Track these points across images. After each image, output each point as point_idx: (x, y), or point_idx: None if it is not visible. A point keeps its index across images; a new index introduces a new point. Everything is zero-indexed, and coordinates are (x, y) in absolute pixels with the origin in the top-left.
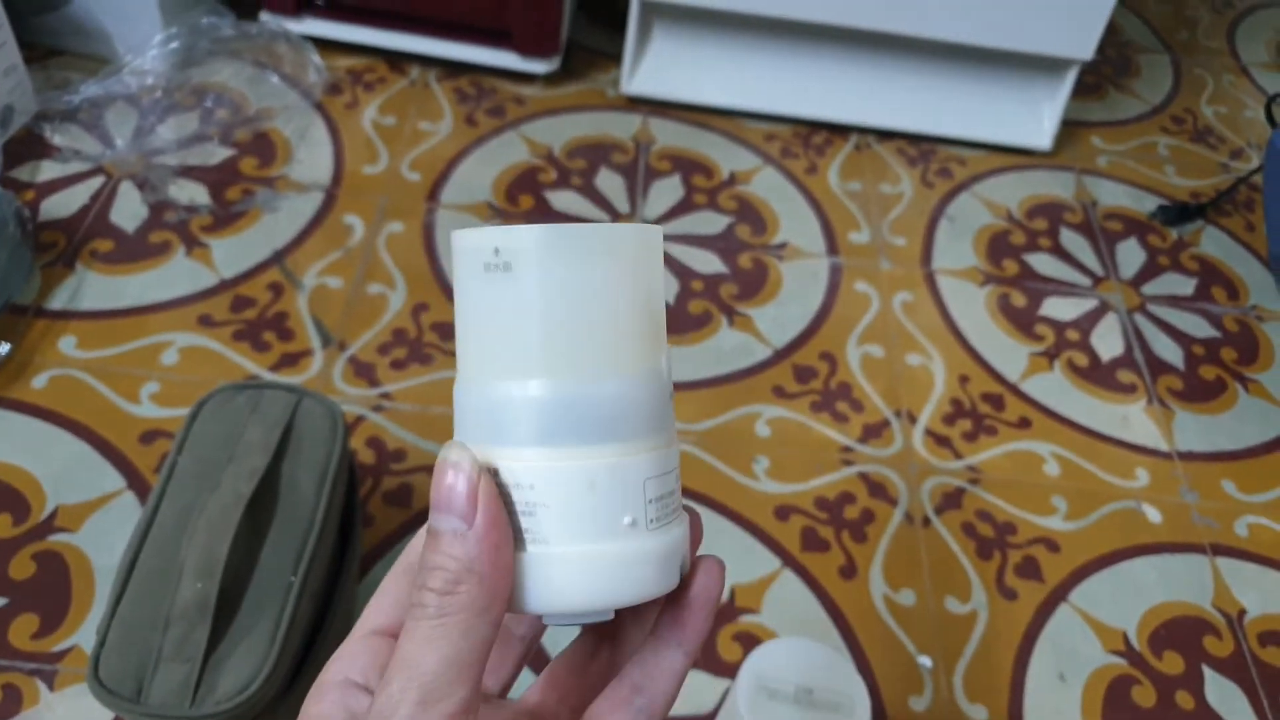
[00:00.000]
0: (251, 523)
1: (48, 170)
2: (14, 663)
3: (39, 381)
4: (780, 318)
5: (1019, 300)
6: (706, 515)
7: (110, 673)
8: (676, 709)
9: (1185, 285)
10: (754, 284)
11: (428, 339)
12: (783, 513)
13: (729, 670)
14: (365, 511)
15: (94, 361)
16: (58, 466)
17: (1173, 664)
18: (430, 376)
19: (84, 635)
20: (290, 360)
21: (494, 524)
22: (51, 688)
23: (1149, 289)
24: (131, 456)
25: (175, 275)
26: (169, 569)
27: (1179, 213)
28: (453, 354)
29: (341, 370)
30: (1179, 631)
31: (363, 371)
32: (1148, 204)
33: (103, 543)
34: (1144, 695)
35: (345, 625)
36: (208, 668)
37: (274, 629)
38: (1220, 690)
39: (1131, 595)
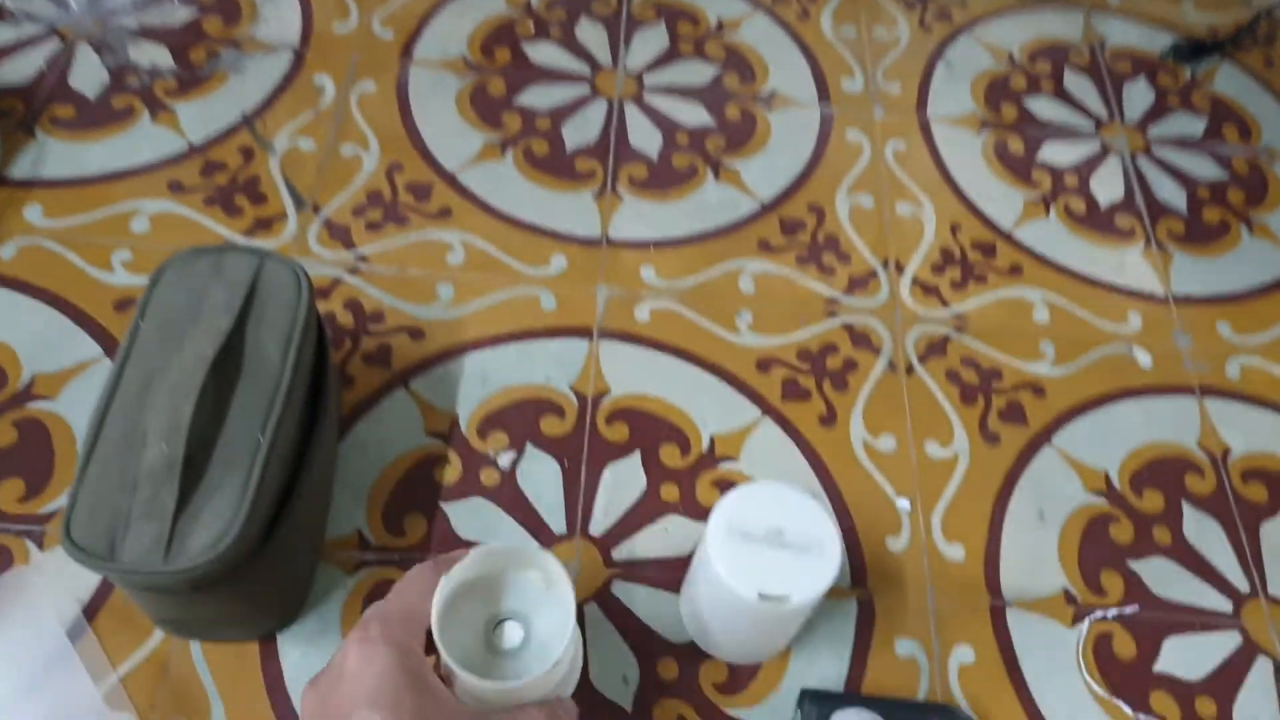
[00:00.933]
0: (217, 385)
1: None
2: (3, 524)
3: (6, 251)
4: (768, 170)
5: (1016, 146)
6: (688, 370)
7: (82, 533)
8: (655, 552)
9: (1194, 126)
10: (741, 135)
11: (403, 200)
12: (764, 364)
13: (707, 515)
14: (345, 372)
15: (62, 230)
16: (32, 336)
17: (1153, 502)
18: (406, 238)
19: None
20: (264, 225)
21: None
22: (40, 547)
23: (1155, 131)
24: (106, 324)
25: (141, 141)
26: (134, 432)
27: (1194, 50)
28: (428, 215)
29: (316, 233)
30: (1161, 471)
31: (338, 234)
32: (1161, 42)
33: (81, 409)
34: (1121, 532)
35: (319, 485)
36: (178, 526)
37: (243, 487)
38: (1199, 525)
39: (1116, 437)
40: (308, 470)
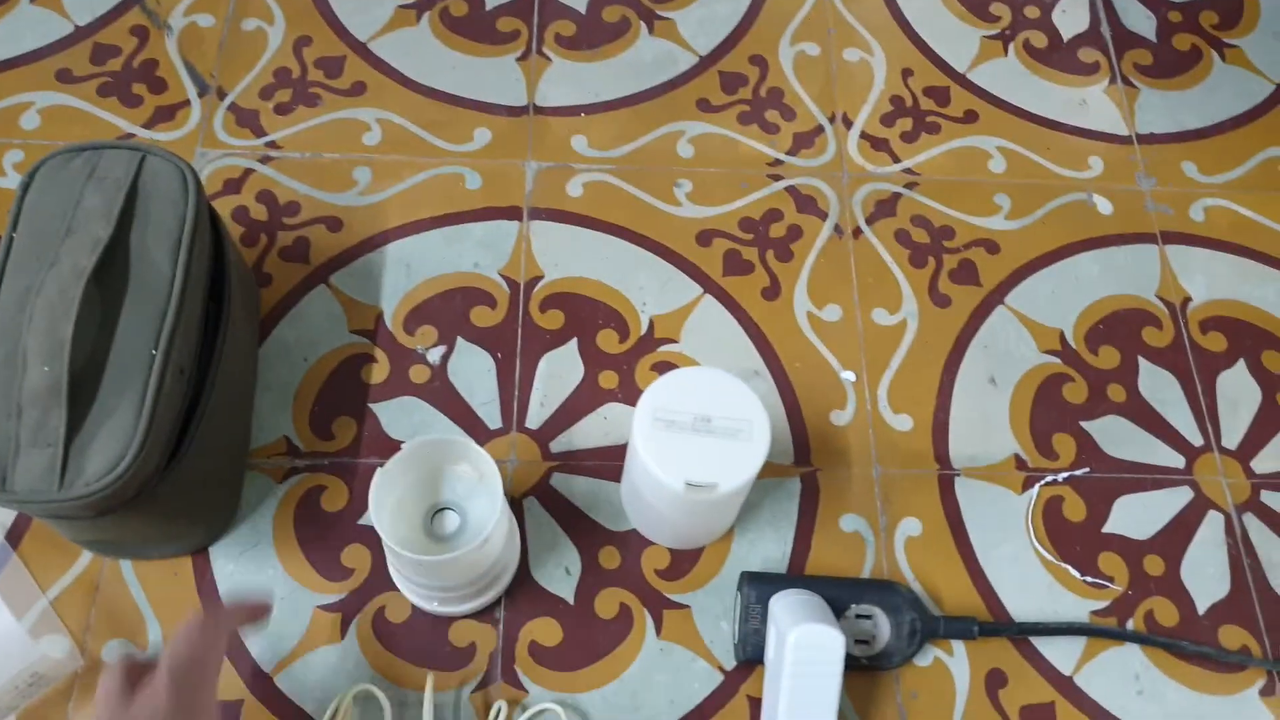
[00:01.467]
0: (102, 299)
1: None
2: None
3: None
4: (706, 19)
5: None
6: (624, 248)
7: None
8: (594, 441)
9: None
10: None
11: (312, 77)
12: (705, 238)
13: None
14: (261, 271)
15: None
16: None
17: (1108, 358)
18: (318, 119)
19: None
20: (166, 114)
21: None
22: None
23: None
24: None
25: (21, 26)
26: (13, 355)
27: None
28: (341, 92)
29: (223, 120)
30: (1118, 326)
31: (245, 120)
32: None
33: None
34: (1075, 391)
35: (232, 395)
36: (72, 451)
37: (139, 405)
38: (1154, 380)
39: (1072, 292)
40: (212, 382)
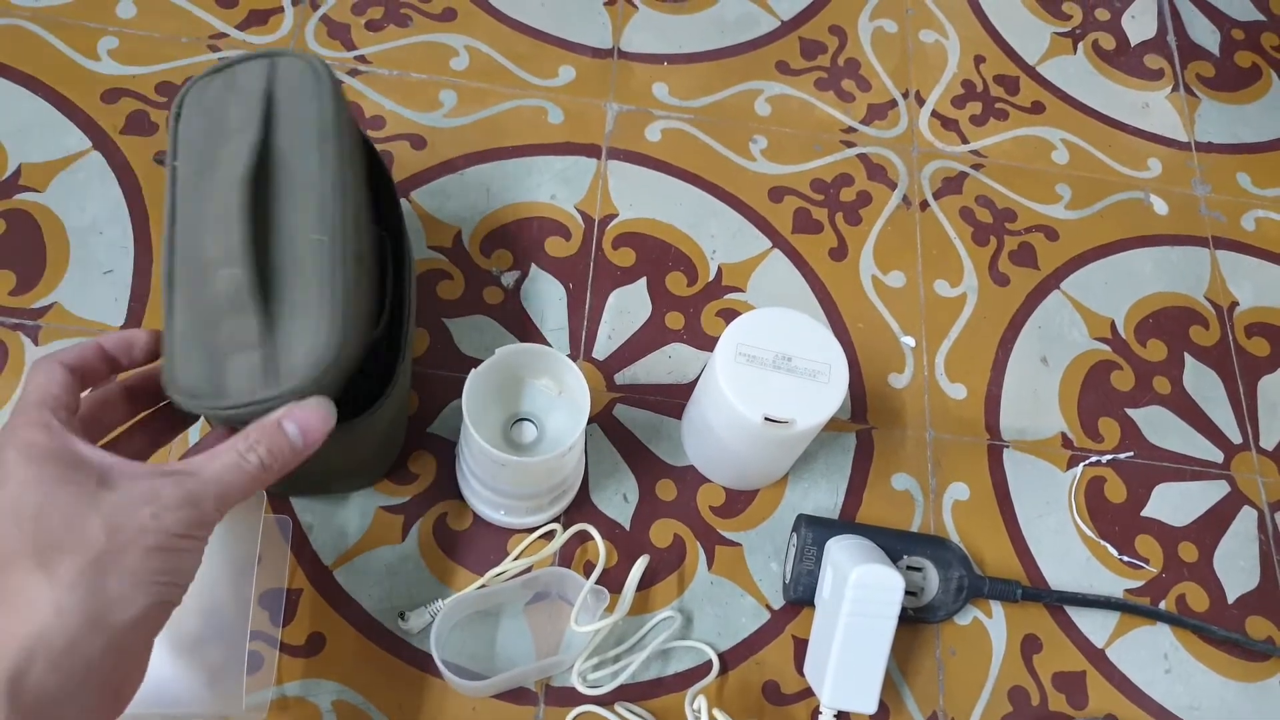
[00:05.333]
0: (262, 202)
1: None
2: None
3: None
4: None
5: None
6: (698, 196)
7: (184, 380)
8: (658, 378)
9: None
10: None
11: None
12: (776, 194)
13: (712, 345)
14: None
15: (43, 11)
16: (17, 124)
17: (1156, 351)
18: (407, 39)
19: (62, 293)
20: (259, 18)
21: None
22: (36, 342)
23: None
24: (95, 115)
25: None
26: (196, 269)
27: None
28: (432, 16)
29: (314, 30)
30: (1167, 321)
31: (337, 32)
32: None
33: (71, 203)
34: (1122, 379)
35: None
36: (274, 348)
37: (326, 292)
38: (1198, 376)
39: (1125, 285)
40: (403, 266)
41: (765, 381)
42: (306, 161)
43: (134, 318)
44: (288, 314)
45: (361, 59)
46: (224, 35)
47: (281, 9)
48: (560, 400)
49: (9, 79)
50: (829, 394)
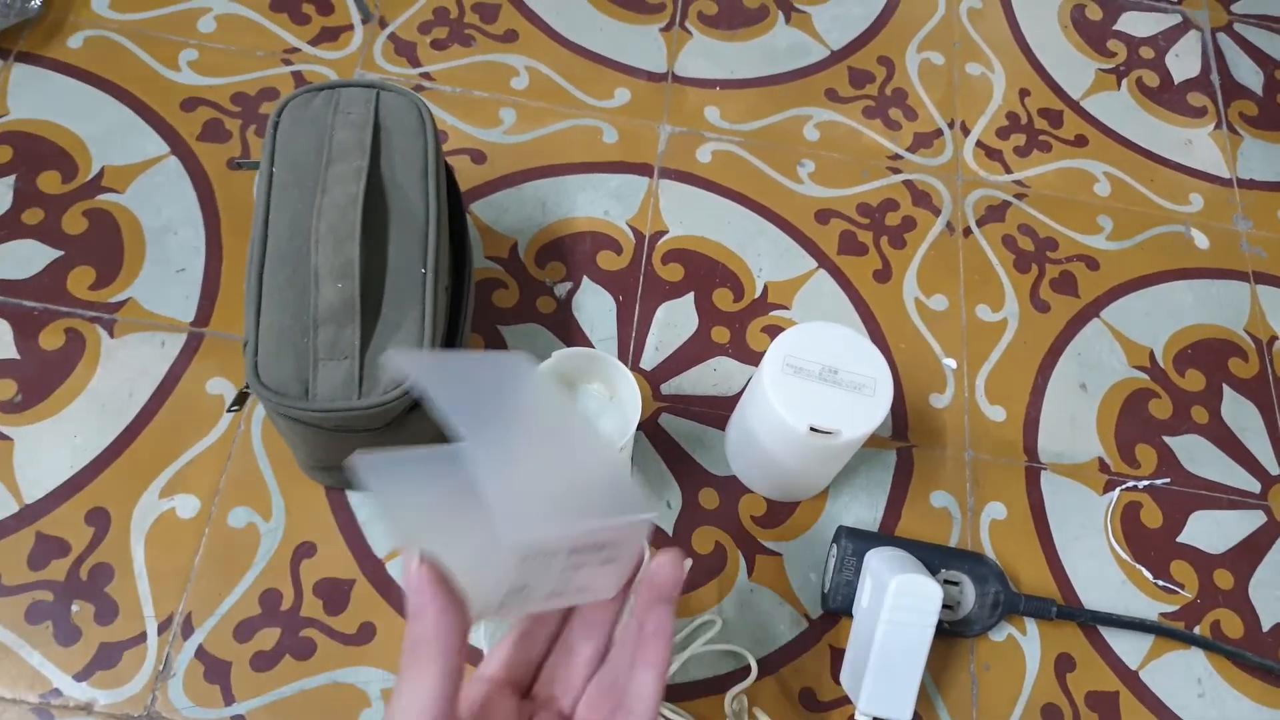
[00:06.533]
0: (368, 224)
1: None
2: (75, 310)
3: (74, 41)
4: (840, 17)
5: (1095, 13)
6: (746, 216)
7: (272, 377)
8: (703, 390)
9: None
10: None
11: (469, 20)
12: (823, 216)
13: (757, 360)
14: None
15: (130, 24)
16: (101, 128)
17: (1194, 381)
18: (471, 59)
19: (138, 289)
20: (330, 35)
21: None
22: (111, 334)
23: (1240, 7)
24: (173, 122)
25: None
26: (303, 276)
27: None
28: (494, 37)
29: (382, 48)
30: (1206, 352)
31: (403, 50)
32: None
33: (149, 204)
34: (1160, 408)
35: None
36: (366, 361)
37: (420, 319)
38: (1237, 407)
39: (1164, 315)
40: (465, 298)
41: (811, 392)
42: (411, 193)
43: (203, 315)
44: (382, 332)
45: (426, 76)
46: (296, 50)
47: (351, 27)
48: (610, 405)
49: (97, 87)
50: (874, 407)
